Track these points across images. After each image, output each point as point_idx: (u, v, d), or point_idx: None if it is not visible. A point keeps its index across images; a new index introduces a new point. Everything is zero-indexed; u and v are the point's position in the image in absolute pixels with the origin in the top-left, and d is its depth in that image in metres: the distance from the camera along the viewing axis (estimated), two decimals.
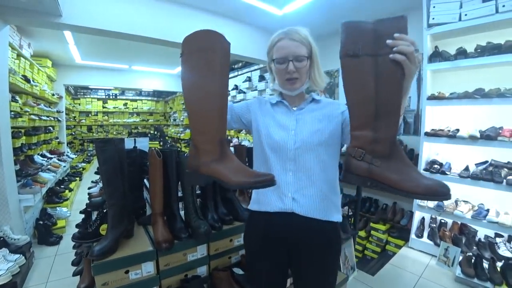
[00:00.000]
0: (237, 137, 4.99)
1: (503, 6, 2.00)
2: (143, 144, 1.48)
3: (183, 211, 1.20)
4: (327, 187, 0.90)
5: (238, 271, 1.26)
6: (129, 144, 1.43)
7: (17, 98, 2.92)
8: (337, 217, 0.93)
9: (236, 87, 4.87)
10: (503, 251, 2.14)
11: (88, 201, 1.62)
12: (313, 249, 0.90)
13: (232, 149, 1.66)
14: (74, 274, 1.39)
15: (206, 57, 0.67)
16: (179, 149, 1.23)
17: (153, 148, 1.13)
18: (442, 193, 0.56)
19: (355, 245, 2.15)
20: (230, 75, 5.09)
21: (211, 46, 0.67)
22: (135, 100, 8.87)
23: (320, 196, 0.89)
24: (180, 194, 1.20)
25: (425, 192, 0.57)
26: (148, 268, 1.01)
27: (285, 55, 0.86)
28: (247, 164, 1.53)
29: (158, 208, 1.12)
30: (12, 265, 1.87)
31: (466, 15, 2.19)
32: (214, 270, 1.21)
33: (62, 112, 5.26)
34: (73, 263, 1.56)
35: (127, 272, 0.97)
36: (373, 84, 0.63)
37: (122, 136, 7.79)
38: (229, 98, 4.78)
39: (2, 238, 2.06)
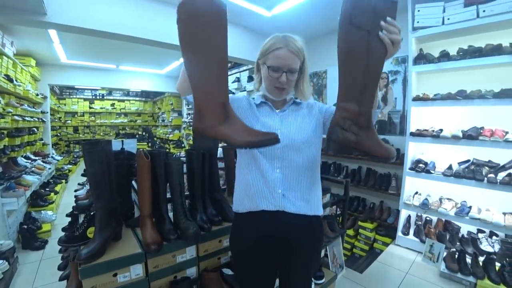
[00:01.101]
0: None
1: (484, 11, 2.09)
2: (131, 145, 1.46)
3: (172, 213, 1.20)
4: (313, 183, 0.96)
5: (228, 271, 1.26)
6: (116, 145, 1.41)
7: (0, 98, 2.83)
8: (321, 211, 1.00)
9: None
10: (485, 246, 2.23)
11: (74, 204, 1.58)
12: (302, 244, 0.95)
13: (220, 150, 1.66)
14: (61, 279, 1.35)
15: (206, 23, 0.67)
16: (167, 150, 1.23)
17: (141, 150, 1.12)
18: (394, 154, 0.74)
19: (343, 244, 2.19)
20: None
21: (211, 11, 0.67)
22: (123, 101, 8.70)
23: (307, 192, 0.94)
24: (169, 195, 1.20)
25: (389, 155, 0.72)
26: (136, 271, 1.00)
27: (281, 65, 0.88)
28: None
29: (146, 210, 1.11)
30: None
31: (448, 19, 2.27)
32: (204, 271, 1.20)
33: (47, 112, 5.10)
34: (59, 268, 1.52)
35: (115, 275, 0.95)
36: (366, 57, 0.67)
37: (110, 137, 7.65)
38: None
39: None
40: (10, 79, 2.98)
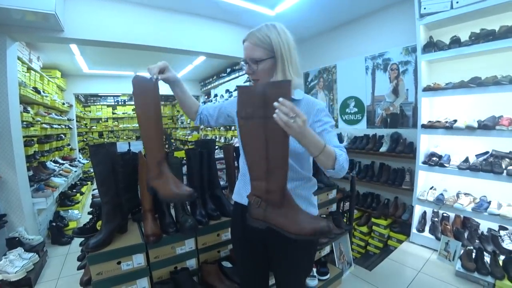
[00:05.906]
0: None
1: None
2: (138, 147, 1.56)
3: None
4: (296, 184, 0.93)
5: (227, 264, 1.32)
6: (124, 147, 1.53)
7: (29, 108, 3.11)
8: (312, 211, 0.97)
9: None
10: (507, 244, 2.08)
11: None
12: (281, 243, 0.93)
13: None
14: (79, 268, 1.49)
15: (142, 100, 0.93)
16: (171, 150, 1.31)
17: (140, 151, 1.21)
18: (323, 232, 0.71)
19: (351, 240, 2.17)
20: (232, 76, 5.27)
21: (143, 91, 0.93)
22: None
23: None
24: None
25: (310, 233, 0.71)
26: (138, 260, 1.09)
27: (244, 57, 0.93)
28: (234, 162, 1.61)
29: (147, 205, 1.19)
30: (26, 263, 2.02)
31: (457, 2, 2.15)
32: (203, 263, 1.27)
33: (73, 120, 5.48)
34: (78, 259, 1.66)
35: (119, 263, 1.05)
36: (264, 143, 0.72)
37: (132, 141, 8.03)
38: (231, 98, 4.87)
39: (17, 238, 2.22)
40: (37, 91, 3.26)
